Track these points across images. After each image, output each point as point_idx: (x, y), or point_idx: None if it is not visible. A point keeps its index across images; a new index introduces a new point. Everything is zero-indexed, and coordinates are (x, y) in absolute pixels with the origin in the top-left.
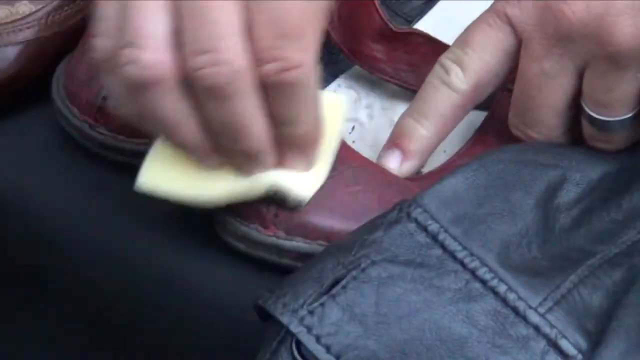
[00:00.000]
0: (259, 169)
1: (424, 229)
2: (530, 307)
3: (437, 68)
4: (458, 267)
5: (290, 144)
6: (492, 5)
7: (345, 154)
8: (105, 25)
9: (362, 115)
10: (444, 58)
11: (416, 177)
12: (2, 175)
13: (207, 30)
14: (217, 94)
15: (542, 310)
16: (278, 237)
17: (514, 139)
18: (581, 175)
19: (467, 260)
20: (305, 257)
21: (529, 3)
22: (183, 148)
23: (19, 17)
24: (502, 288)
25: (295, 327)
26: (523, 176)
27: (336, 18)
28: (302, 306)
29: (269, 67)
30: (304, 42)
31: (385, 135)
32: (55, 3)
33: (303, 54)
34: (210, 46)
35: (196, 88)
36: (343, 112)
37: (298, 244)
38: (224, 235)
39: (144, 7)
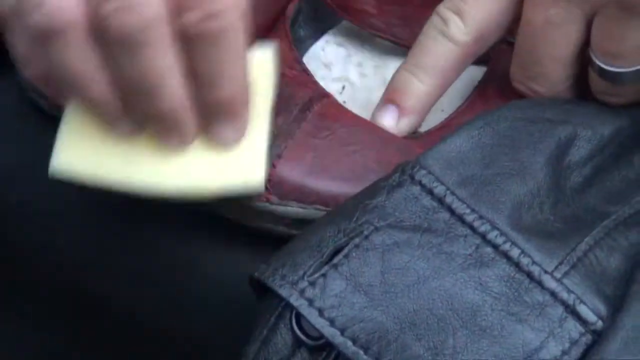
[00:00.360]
0: (177, 139)
1: (429, 191)
2: (546, 272)
3: (434, 18)
4: (467, 231)
5: (216, 110)
6: None
7: (337, 113)
8: None
9: (353, 74)
10: (442, 8)
11: (414, 136)
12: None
13: None
14: (127, 44)
15: (558, 274)
16: (272, 203)
17: (516, 95)
18: (592, 132)
19: (476, 224)
20: (301, 223)
21: None
22: (93, 108)
23: None
24: (515, 252)
25: (295, 300)
26: (531, 133)
27: None
28: (302, 277)
29: (189, 16)
30: None
31: (378, 95)
32: None
33: (227, 1)
34: None
35: (106, 38)
36: (272, 70)
37: (293, 209)
38: (214, 204)
39: None
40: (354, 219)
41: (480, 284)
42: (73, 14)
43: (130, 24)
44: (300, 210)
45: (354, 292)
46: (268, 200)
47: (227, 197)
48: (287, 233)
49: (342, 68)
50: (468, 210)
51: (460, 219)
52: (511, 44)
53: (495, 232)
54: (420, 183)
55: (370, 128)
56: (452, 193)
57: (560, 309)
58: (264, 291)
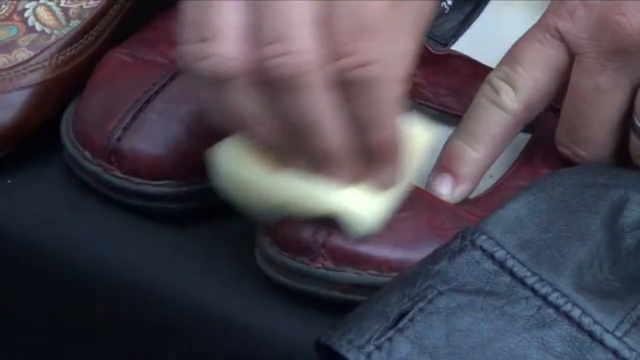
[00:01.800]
0: (334, 175)
1: (491, 256)
2: (607, 331)
3: (485, 88)
4: (529, 293)
5: (372, 153)
6: (541, 20)
7: None
8: (186, 25)
9: None
10: (493, 77)
11: (464, 202)
12: (16, 221)
13: (279, 19)
14: (287, 86)
15: (619, 333)
16: (327, 269)
17: (560, 160)
18: None
19: (537, 286)
20: (355, 288)
21: (581, 16)
22: (258, 145)
23: (18, 62)
24: (576, 312)
25: None
26: (586, 198)
27: None
28: (368, 342)
29: (345, 62)
30: (383, 36)
31: (426, 162)
32: (57, 45)
33: (382, 49)
34: (282, 35)
35: (268, 81)
36: (425, 146)
37: (348, 274)
38: (268, 270)
39: (218, 2)
40: (418, 284)
41: (543, 344)
42: (241, 61)
43: (289, 67)
44: (355, 275)
45: (419, 355)
46: (323, 266)
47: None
48: (342, 298)
49: None
50: (529, 273)
51: (522, 282)
52: (555, 111)
53: (557, 294)
54: (481, 248)
55: (420, 195)
56: (513, 257)
57: None
58: (330, 357)
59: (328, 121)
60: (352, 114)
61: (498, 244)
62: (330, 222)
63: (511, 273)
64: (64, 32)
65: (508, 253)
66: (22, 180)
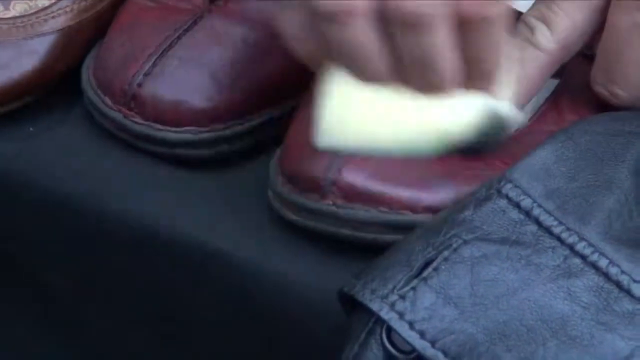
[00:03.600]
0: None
1: (517, 205)
2: (635, 281)
3: (521, 27)
4: (555, 242)
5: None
6: None
7: None
8: None
9: None
10: (529, 16)
11: None
12: (38, 167)
13: None
14: (408, 25)
15: None
16: (337, 206)
17: (588, 106)
18: None
19: (564, 235)
20: (365, 225)
21: None
22: (369, 81)
23: (39, 9)
24: (603, 262)
25: (386, 314)
26: (613, 147)
27: None
28: (392, 291)
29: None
30: None
31: None
32: None
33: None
34: None
35: (390, 19)
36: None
37: (358, 212)
38: (280, 209)
39: None
40: (443, 232)
41: (569, 294)
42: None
43: (419, 7)
44: (365, 213)
45: (444, 305)
46: (334, 204)
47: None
48: (352, 236)
49: None
50: (555, 222)
51: (548, 231)
52: (585, 57)
53: (583, 243)
54: (507, 196)
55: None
56: (540, 205)
57: None
58: (353, 306)
59: (445, 57)
60: (466, 49)
61: (524, 192)
62: (341, 159)
63: (537, 222)
64: None
65: (534, 202)
66: (45, 127)
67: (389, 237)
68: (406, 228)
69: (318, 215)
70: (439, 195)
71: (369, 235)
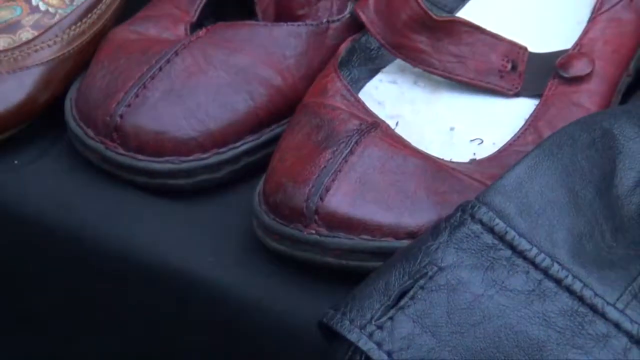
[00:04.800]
0: None
1: (490, 229)
2: (609, 304)
3: None
4: (529, 267)
5: None
6: None
7: (386, 144)
8: None
9: (406, 110)
10: None
11: (464, 164)
12: (22, 200)
13: None
14: None
15: (620, 305)
16: (320, 235)
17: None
18: (630, 161)
19: (538, 260)
20: (349, 253)
21: None
22: None
23: (22, 42)
24: (577, 286)
25: (364, 344)
26: (580, 161)
27: (373, 11)
28: (370, 321)
29: None
30: None
31: (430, 130)
32: (61, 24)
33: None
34: None
35: None
36: None
37: (341, 240)
38: (264, 238)
39: None
40: (418, 260)
41: (545, 319)
42: None
43: None
44: (348, 241)
45: (421, 334)
46: (317, 232)
47: None
48: (336, 264)
49: (395, 105)
50: (529, 246)
51: (522, 255)
52: (564, 79)
53: (557, 267)
54: (480, 221)
55: (419, 158)
56: (513, 229)
57: (624, 340)
58: (333, 335)
59: None
60: None
61: (498, 215)
62: (323, 187)
63: (511, 246)
64: (68, 10)
65: (508, 225)
66: (29, 159)
67: (372, 264)
68: (389, 254)
69: (302, 244)
70: (421, 219)
71: (353, 263)
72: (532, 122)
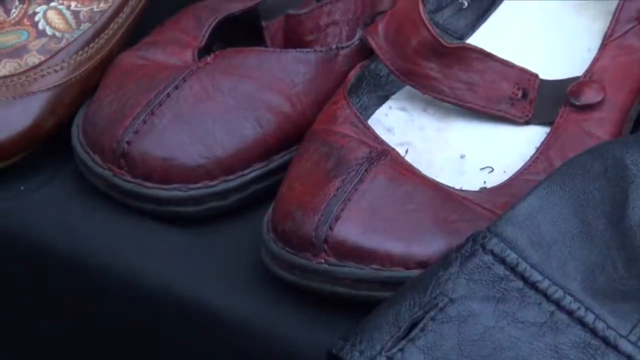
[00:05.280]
0: None
1: (502, 260)
2: (621, 336)
3: None
4: (541, 298)
5: None
6: None
7: (396, 172)
8: None
9: (416, 137)
10: None
11: (475, 192)
12: (28, 226)
13: None
14: None
15: (633, 338)
16: (330, 264)
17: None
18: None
19: (550, 291)
20: (358, 283)
21: None
22: None
23: (29, 67)
24: (590, 318)
25: None
26: (592, 191)
27: (382, 37)
28: (380, 353)
29: None
30: None
31: (440, 157)
32: (68, 49)
33: None
34: None
35: None
36: None
37: (351, 269)
38: (273, 267)
39: None
40: (429, 291)
41: (557, 351)
42: None
43: None
44: (358, 270)
45: None
46: (326, 262)
47: None
48: (346, 293)
49: (405, 132)
50: (541, 277)
51: (534, 287)
52: (575, 106)
53: (570, 299)
54: (492, 252)
55: (429, 187)
56: (525, 260)
57: None
58: None
59: None
60: None
61: (510, 246)
62: (332, 216)
63: (523, 278)
64: (75, 35)
65: (520, 256)
66: (35, 186)
67: (382, 293)
68: (399, 284)
69: (311, 273)
70: (431, 249)
71: (362, 293)
72: (543, 151)
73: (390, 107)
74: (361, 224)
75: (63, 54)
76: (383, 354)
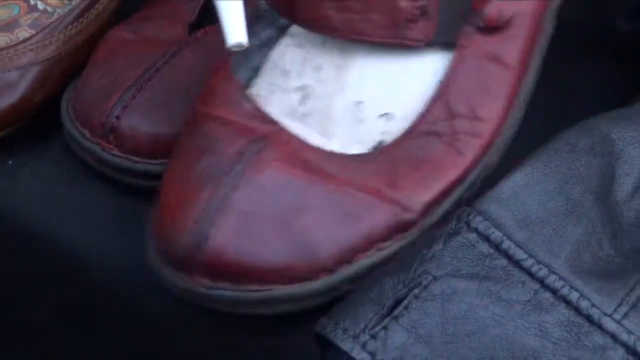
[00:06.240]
0: None
1: (486, 238)
2: (605, 314)
3: None
4: (525, 277)
5: None
6: None
7: (278, 167)
8: None
9: (313, 80)
10: None
11: (369, 158)
12: (16, 202)
13: None
14: None
15: (617, 316)
16: (206, 287)
17: (490, 92)
18: (629, 166)
19: (534, 269)
20: (237, 305)
21: None
22: None
23: (19, 41)
24: (574, 296)
25: (357, 354)
26: (578, 167)
27: None
28: (363, 330)
29: None
30: None
31: (338, 103)
32: (59, 23)
33: None
34: None
35: None
36: None
37: (226, 292)
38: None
39: None
40: (413, 269)
41: (541, 329)
42: None
43: None
44: (232, 293)
45: (415, 344)
46: (202, 285)
47: None
48: (229, 312)
49: (302, 74)
50: (525, 256)
51: (518, 265)
52: (482, 30)
53: (554, 277)
54: (476, 230)
55: (312, 181)
56: (509, 238)
57: (621, 351)
58: (326, 345)
59: None
60: None
61: (494, 224)
62: (202, 236)
63: (507, 256)
64: (66, 10)
65: (504, 235)
66: (24, 160)
67: (267, 310)
68: (283, 302)
69: (190, 294)
70: (316, 258)
71: (245, 311)
72: (443, 92)
73: (286, 45)
74: (233, 240)
75: (54, 28)
76: (366, 332)
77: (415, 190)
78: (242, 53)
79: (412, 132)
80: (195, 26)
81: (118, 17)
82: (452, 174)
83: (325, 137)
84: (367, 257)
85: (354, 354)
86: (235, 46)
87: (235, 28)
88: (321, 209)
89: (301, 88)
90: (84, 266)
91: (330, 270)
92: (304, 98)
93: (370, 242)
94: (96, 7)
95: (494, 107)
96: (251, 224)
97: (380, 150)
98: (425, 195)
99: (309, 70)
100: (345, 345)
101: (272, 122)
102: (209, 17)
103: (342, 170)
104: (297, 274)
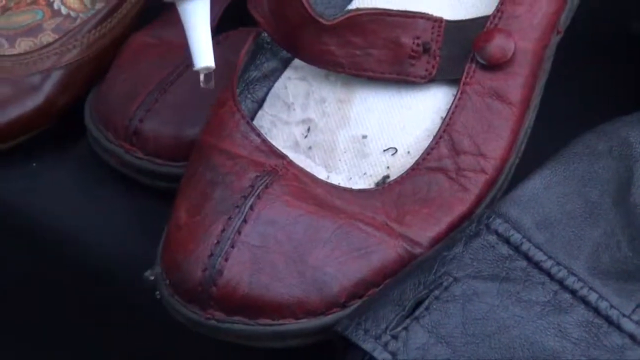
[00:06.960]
0: None
1: (506, 240)
2: (624, 315)
3: None
4: (545, 278)
5: None
6: None
7: (288, 201)
8: None
9: (317, 113)
10: None
11: (374, 194)
12: (41, 205)
13: None
14: None
15: (636, 317)
16: (218, 320)
17: (488, 123)
18: None
19: (553, 271)
20: (248, 339)
21: None
22: None
23: (43, 45)
24: (593, 297)
25: (379, 354)
26: (596, 170)
27: (267, 10)
28: (384, 331)
29: None
30: None
31: (343, 136)
32: (82, 28)
33: None
34: None
35: None
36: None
37: (239, 326)
38: (169, 308)
39: None
40: (434, 271)
41: (560, 330)
42: None
43: None
44: (246, 327)
45: (436, 344)
46: (214, 318)
47: None
48: (240, 344)
49: (305, 107)
50: (545, 257)
51: (538, 266)
52: (482, 66)
53: (573, 278)
54: (496, 232)
55: (318, 216)
56: (529, 240)
57: (639, 351)
58: (347, 345)
59: None
60: None
61: (514, 226)
62: (215, 271)
63: (527, 257)
64: (89, 14)
65: (524, 236)
66: (48, 163)
67: (275, 344)
68: (295, 337)
69: (201, 326)
70: (324, 294)
71: (255, 344)
72: (447, 129)
73: (289, 78)
74: (246, 274)
75: (77, 33)
76: (388, 332)
77: (423, 226)
78: (245, 85)
79: (418, 168)
80: (216, 31)
81: (140, 22)
82: (459, 210)
83: (329, 171)
84: None
85: (375, 354)
86: (203, 69)
87: (202, 52)
88: (332, 243)
89: (305, 121)
90: (107, 267)
91: (342, 305)
92: (308, 131)
93: (381, 277)
94: (119, 12)
95: (497, 144)
96: (264, 259)
97: (387, 186)
98: (432, 231)
99: (313, 104)
100: (367, 345)
101: (280, 156)
102: (230, 21)
103: (350, 205)
104: (310, 308)
